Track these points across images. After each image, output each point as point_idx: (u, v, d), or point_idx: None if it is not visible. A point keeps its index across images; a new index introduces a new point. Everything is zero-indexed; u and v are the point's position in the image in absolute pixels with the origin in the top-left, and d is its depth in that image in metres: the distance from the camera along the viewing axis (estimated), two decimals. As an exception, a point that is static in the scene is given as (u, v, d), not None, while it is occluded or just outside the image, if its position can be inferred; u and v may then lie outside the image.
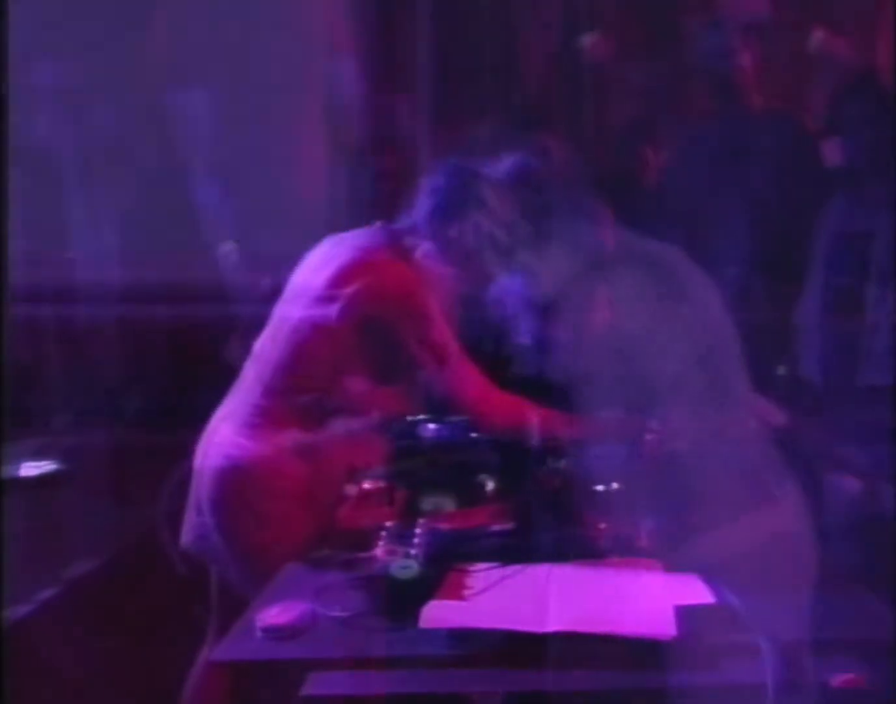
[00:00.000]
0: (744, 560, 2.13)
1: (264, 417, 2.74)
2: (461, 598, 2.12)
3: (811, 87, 3.96)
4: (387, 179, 4.10)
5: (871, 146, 3.28)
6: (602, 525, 2.40)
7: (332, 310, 2.69)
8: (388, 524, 2.45)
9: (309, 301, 2.75)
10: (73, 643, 3.18)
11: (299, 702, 1.88)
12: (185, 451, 2.83)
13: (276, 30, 4.29)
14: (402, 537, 2.33)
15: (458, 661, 1.94)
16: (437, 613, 2.05)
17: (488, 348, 2.94)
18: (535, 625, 1.96)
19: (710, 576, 2.14)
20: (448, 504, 2.60)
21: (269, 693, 2.01)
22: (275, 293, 2.91)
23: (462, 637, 1.98)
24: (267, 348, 2.83)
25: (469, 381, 2.74)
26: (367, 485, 2.72)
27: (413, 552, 2.24)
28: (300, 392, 2.74)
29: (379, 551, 2.33)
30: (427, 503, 2.58)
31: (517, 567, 2.24)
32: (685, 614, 1.97)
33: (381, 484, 2.70)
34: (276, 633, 2.04)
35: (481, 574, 2.23)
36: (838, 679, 1.89)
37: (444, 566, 2.24)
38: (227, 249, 4.16)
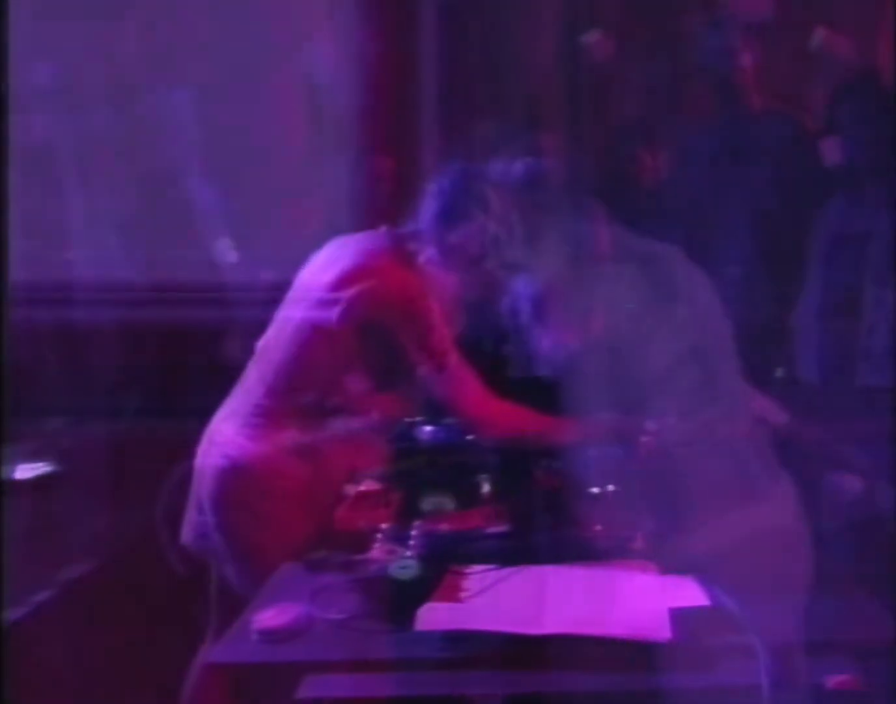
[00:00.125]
0: (731, 556, 2.13)
1: (266, 417, 2.76)
2: (457, 600, 2.12)
3: (811, 86, 3.95)
4: (386, 179, 4.10)
5: (870, 146, 3.28)
6: (598, 527, 2.40)
7: (334, 312, 2.71)
8: (383, 525, 2.46)
9: (311, 303, 2.77)
10: (69, 644, 3.18)
11: (295, 705, 1.88)
12: (183, 451, 2.84)
13: (276, 30, 4.29)
14: (397, 539, 2.34)
15: (455, 663, 1.94)
16: (433, 615, 2.05)
17: (488, 348, 2.94)
18: (531, 627, 1.96)
19: (698, 572, 2.14)
20: (444, 506, 2.60)
21: (266, 695, 2.01)
22: (274, 293, 2.93)
23: (458, 639, 1.97)
24: (270, 348, 2.84)
25: (467, 388, 2.75)
26: (362, 487, 2.72)
27: (409, 553, 2.25)
28: (301, 393, 2.75)
29: (376, 552, 2.34)
30: (423, 504, 2.58)
31: (513, 569, 2.24)
32: (680, 616, 1.97)
33: (377, 486, 2.71)
34: (271, 636, 2.04)
35: (477, 576, 2.23)
36: (833, 680, 1.90)
37: (440, 567, 2.24)
38: (224, 249, 4.17)
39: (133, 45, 4.29)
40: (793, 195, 3.59)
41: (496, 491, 2.67)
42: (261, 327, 2.91)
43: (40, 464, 3.76)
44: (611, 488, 2.48)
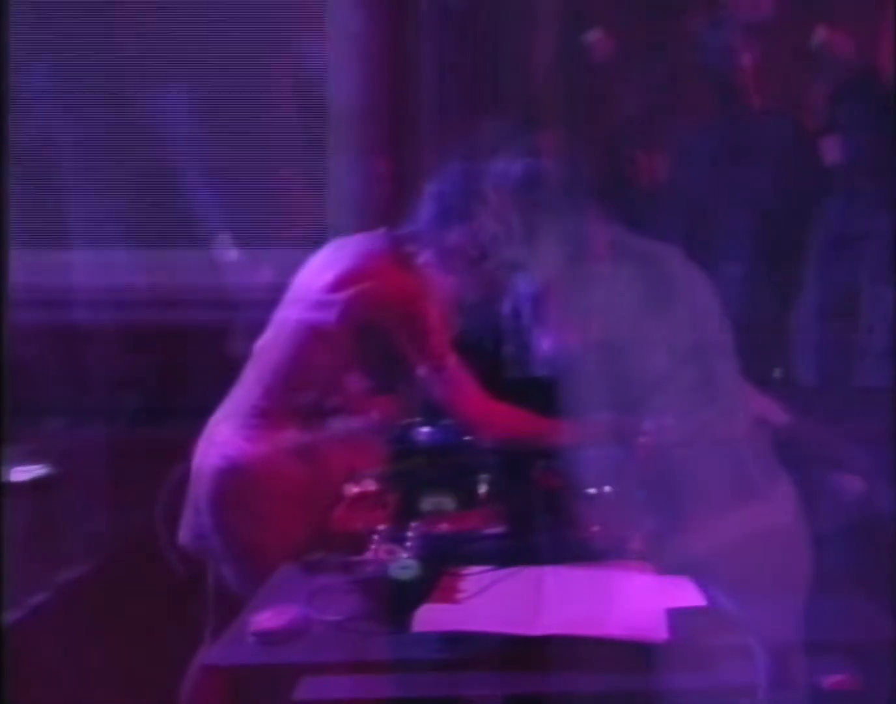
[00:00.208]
0: (730, 556, 2.13)
1: (264, 417, 2.76)
2: (454, 601, 2.12)
3: (811, 86, 3.95)
4: (386, 179, 4.10)
5: (870, 145, 3.28)
6: (596, 528, 2.40)
7: (332, 314, 2.71)
8: (381, 526, 2.45)
9: (309, 304, 2.78)
10: (69, 645, 3.18)
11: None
12: (180, 453, 2.84)
13: (276, 30, 4.29)
14: (395, 539, 2.33)
15: (453, 664, 1.94)
16: (430, 616, 2.04)
17: (487, 349, 2.94)
18: (529, 628, 1.96)
19: (697, 572, 2.13)
20: (442, 507, 2.60)
21: (263, 697, 2.01)
22: (273, 294, 2.93)
23: (456, 640, 1.97)
24: (268, 349, 2.85)
25: (465, 390, 2.75)
26: (361, 488, 2.72)
27: (407, 554, 2.24)
28: (299, 394, 2.75)
29: (374, 553, 2.33)
30: (421, 505, 2.57)
31: (511, 570, 2.23)
32: (677, 616, 1.97)
33: (375, 487, 2.70)
34: (268, 637, 2.03)
35: (474, 577, 2.22)
36: (830, 680, 1.89)
37: (439, 568, 2.24)
38: (224, 250, 4.17)
39: (133, 45, 4.28)
40: (792, 195, 3.59)
41: (494, 492, 2.66)
42: (260, 328, 2.91)
43: (39, 465, 3.76)
44: (609, 488, 2.48)
